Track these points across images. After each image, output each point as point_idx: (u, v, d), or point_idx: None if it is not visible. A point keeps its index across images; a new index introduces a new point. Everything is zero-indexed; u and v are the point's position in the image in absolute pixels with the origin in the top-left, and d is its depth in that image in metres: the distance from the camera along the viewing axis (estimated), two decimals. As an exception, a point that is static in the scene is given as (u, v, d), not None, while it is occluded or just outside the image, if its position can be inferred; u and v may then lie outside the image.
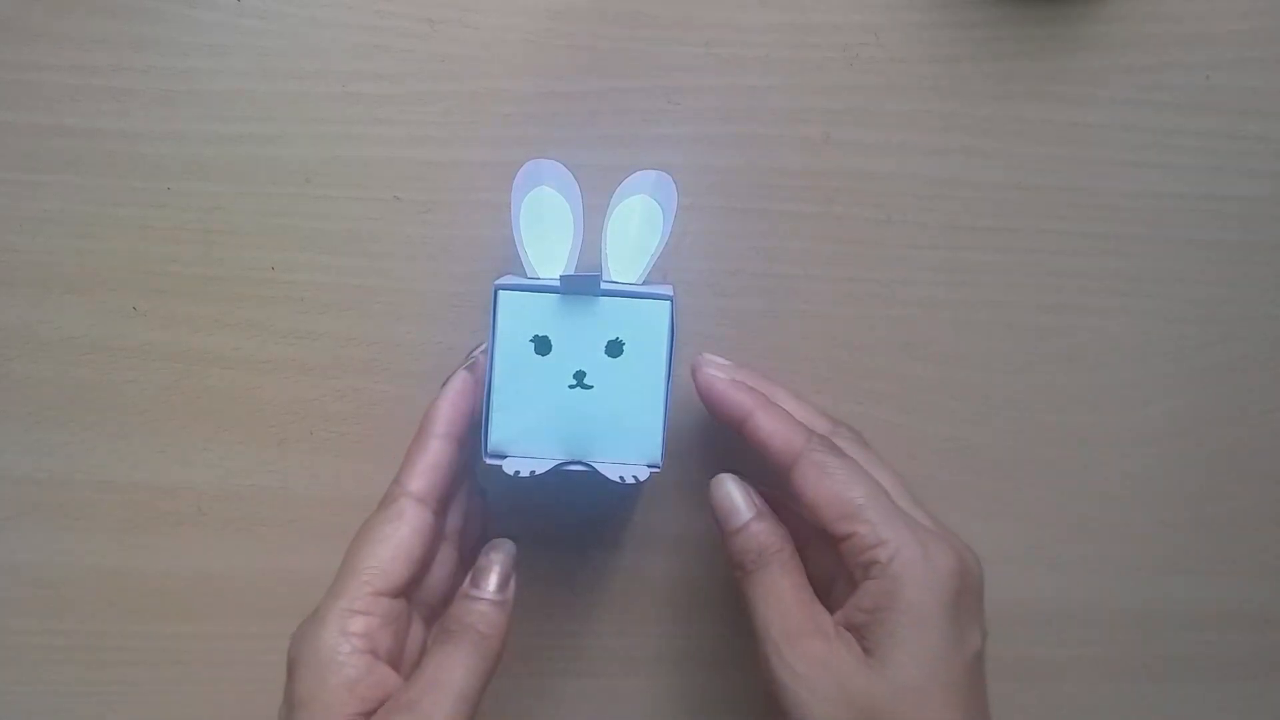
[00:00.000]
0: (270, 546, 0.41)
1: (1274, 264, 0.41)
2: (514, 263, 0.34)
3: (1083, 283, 0.41)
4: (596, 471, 0.34)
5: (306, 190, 0.39)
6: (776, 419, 0.35)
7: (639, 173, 0.35)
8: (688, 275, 0.40)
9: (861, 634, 0.32)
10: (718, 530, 0.35)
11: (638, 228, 0.35)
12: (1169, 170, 0.41)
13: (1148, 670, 0.43)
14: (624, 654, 0.42)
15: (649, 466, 0.34)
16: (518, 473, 0.33)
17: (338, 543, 0.41)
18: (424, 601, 0.35)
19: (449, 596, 0.35)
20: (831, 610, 0.33)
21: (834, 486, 0.33)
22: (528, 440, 0.34)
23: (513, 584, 0.34)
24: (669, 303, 0.34)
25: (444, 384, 0.34)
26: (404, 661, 0.33)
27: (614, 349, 0.34)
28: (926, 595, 0.32)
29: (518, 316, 0.33)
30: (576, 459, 0.34)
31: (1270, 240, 0.41)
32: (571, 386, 0.34)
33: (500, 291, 0.33)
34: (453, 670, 0.31)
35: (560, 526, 0.41)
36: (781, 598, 0.33)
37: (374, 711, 0.30)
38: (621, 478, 0.33)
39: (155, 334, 0.40)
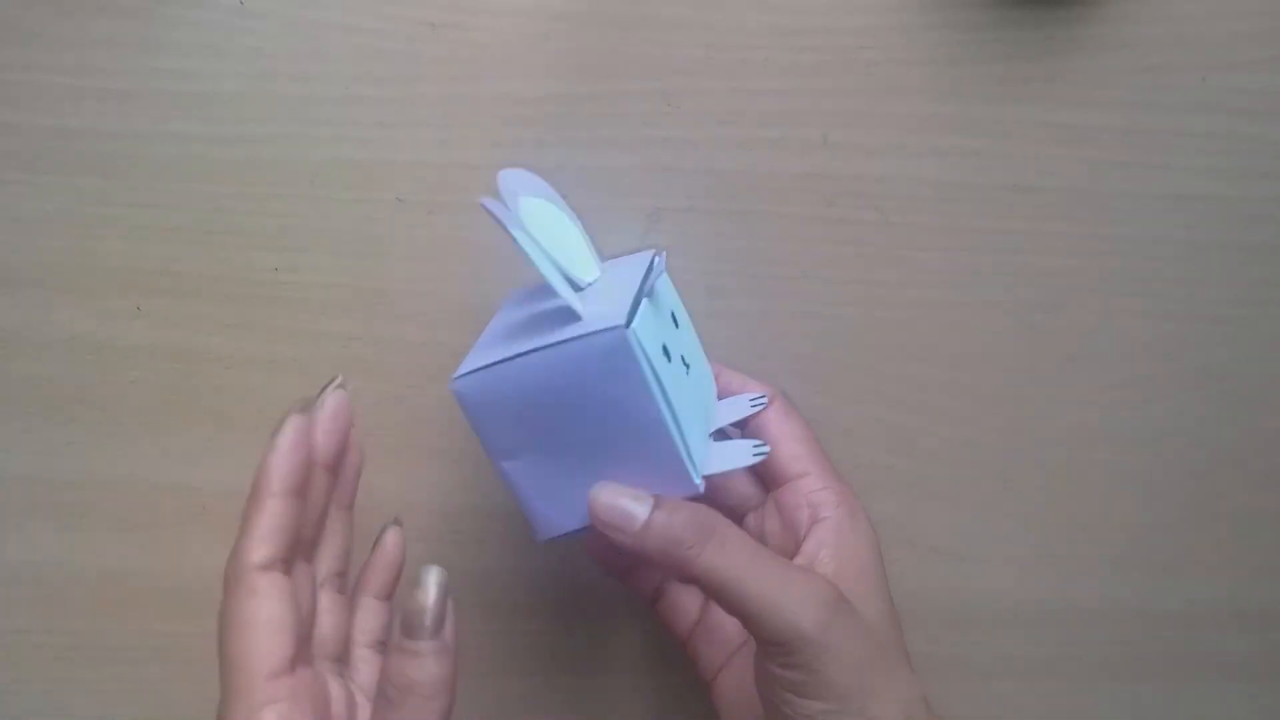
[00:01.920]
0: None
1: (1274, 264, 0.42)
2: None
3: (1083, 283, 0.41)
4: (727, 435, 0.36)
5: (309, 191, 0.39)
6: (738, 375, 0.38)
7: (486, 202, 0.32)
8: (687, 276, 0.40)
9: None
10: (621, 546, 0.31)
11: (546, 225, 0.34)
12: (1169, 170, 0.41)
13: (1147, 670, 0.43)
14: (621, 654, 0.42)
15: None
16: (728, 473, 0.33)
17: (338, 543, 0.41)
18: (327, 656, 0.33)
19: (348, 642, 0.34)
20: None
21: (798, 429, 0.37)
22: (704, 445, 0.33)
23: (450, 622, 0.30)
24: (653, 253, 0.35)
25: (274, 434, 0.31)
26: None
27: (676, 320, 0.35)
28: (863, 542, 0.35)
29: (647, 341, 0.30)
30: (724, 433, 0.36)
31: (1270, 240, 0.41)
32: (685, 373, 0.33)
33: (632, 329, 0.29)
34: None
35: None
36: (752, 552, 0.31)
37: None
38: (753, 405, 0.36)
39: (157, 334, 0.40)
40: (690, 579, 0.31)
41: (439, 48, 0.39)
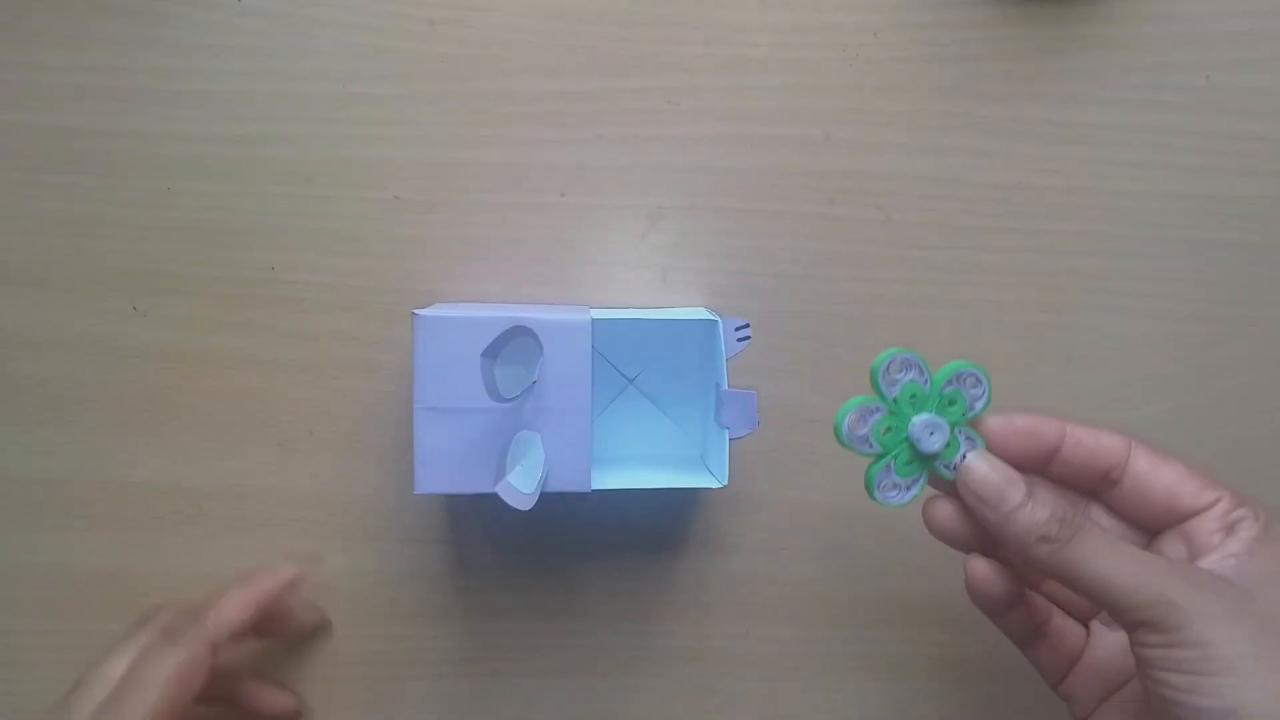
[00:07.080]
0: (270, 546, 0.41)
1: (1274, 264, 0.41)
2: None
3: (1083, 283, 0.41)
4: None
5: (307, 190, 0.39)
6: (1088, 427, 0.32)
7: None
8: (687, 275, 0.40)
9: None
10: (983, 521, 0.30)
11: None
12: (1169, 170, 0.41)
13: (1148, 670, 0.43)
14: (624, 654, 0.42)
15: None
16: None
17: (338, 543, 0.41)
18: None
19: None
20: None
21: (1180, 465, 0.32)
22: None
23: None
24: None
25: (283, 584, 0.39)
26: None
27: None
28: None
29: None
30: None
31: (1270, 240, 0.41)
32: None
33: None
34: (160, 678, 0.34)
35: (559, 527, 0.41)
36: (1119, 547, 0.29)
37: None
38: (740, 339, 0.37)
39: (155, 334, 0.40)
40: (1048, 572, 0.30)
41: (438, 45, 0.39)
